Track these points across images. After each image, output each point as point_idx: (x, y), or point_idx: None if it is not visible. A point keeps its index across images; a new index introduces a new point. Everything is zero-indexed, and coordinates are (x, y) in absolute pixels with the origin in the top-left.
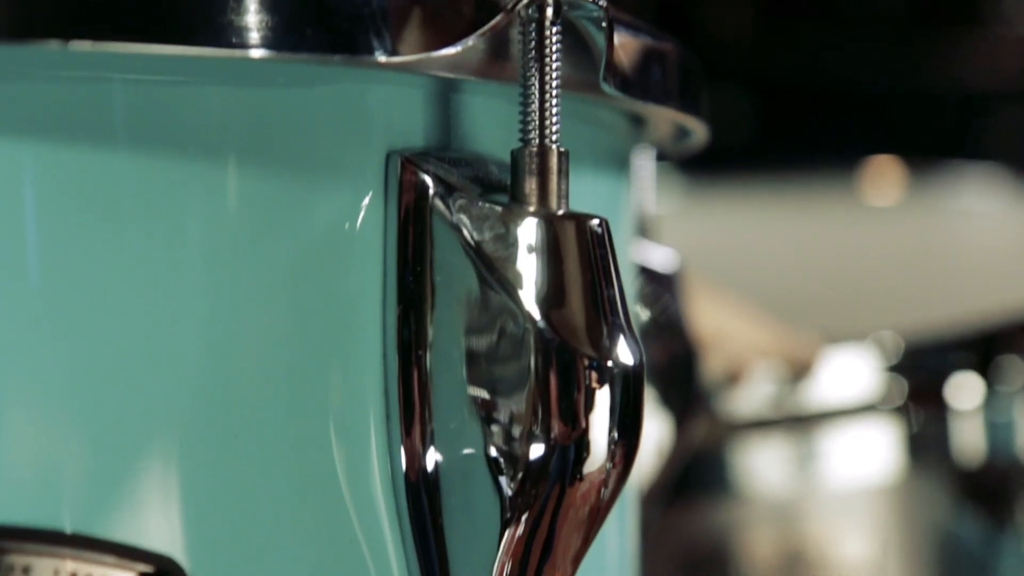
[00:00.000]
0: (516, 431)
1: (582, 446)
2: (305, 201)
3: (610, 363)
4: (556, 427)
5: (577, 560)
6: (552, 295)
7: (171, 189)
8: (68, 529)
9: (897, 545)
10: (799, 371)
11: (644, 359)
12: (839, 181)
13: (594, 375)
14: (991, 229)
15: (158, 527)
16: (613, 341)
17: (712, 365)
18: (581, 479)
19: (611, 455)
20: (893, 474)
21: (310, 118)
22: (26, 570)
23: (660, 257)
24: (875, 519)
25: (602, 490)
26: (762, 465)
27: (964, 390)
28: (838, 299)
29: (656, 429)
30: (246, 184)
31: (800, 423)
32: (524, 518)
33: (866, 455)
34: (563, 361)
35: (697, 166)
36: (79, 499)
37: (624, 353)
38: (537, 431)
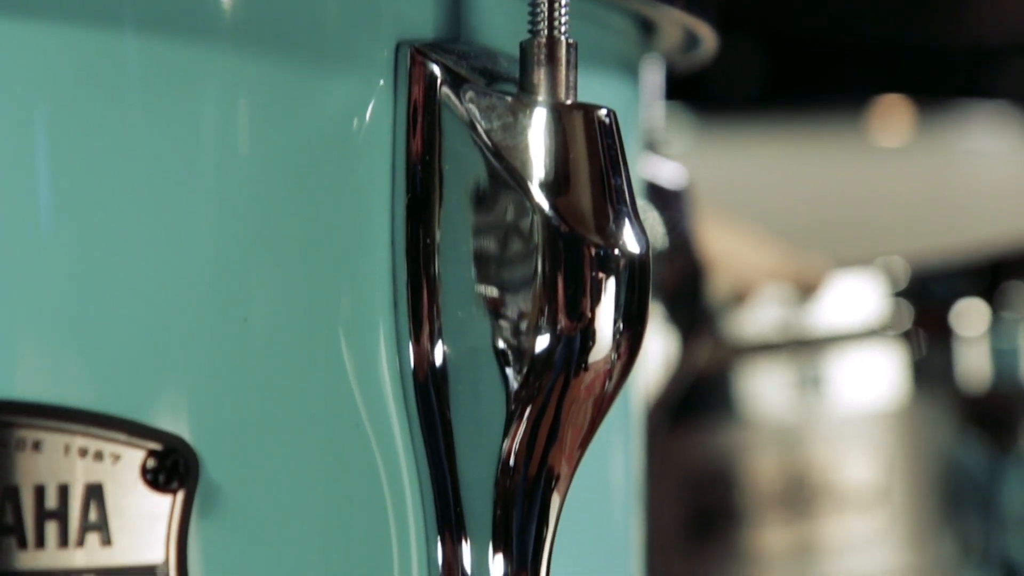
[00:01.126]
0: (523, 323)
1: (587, 335)
2: (315, 90)
3: (617, 251)
4: (562, 316)
5: (584, 444)
6: (560, 183)
7: (180, 76)
8: (79, 406)
9: (901, 470)
10: (806, 292)
11: (650, 249)
12: (848, 123)
13: (600, 262)
14: (999, 168)
15: (168, 406)
16: (620, 229)
17: (719, 285)
18: (586, 369)
19: (616, 345)
20: (898, 399)
21: (321, 7)
22: (37, 445)
23: (668, 172)
24: (879, 444)
25: (607, 382)
26: (767, 388)
27: (970, 316)
28: (847, 239)
29: (662, 346)
30: (256, 72)
31: (806, 347)
32: (529, 409)
33: (871, 380)
34: (570, 248)
35: (708, 108)
36: (91, 377)
37: (631, 241)
38: (543, 320)
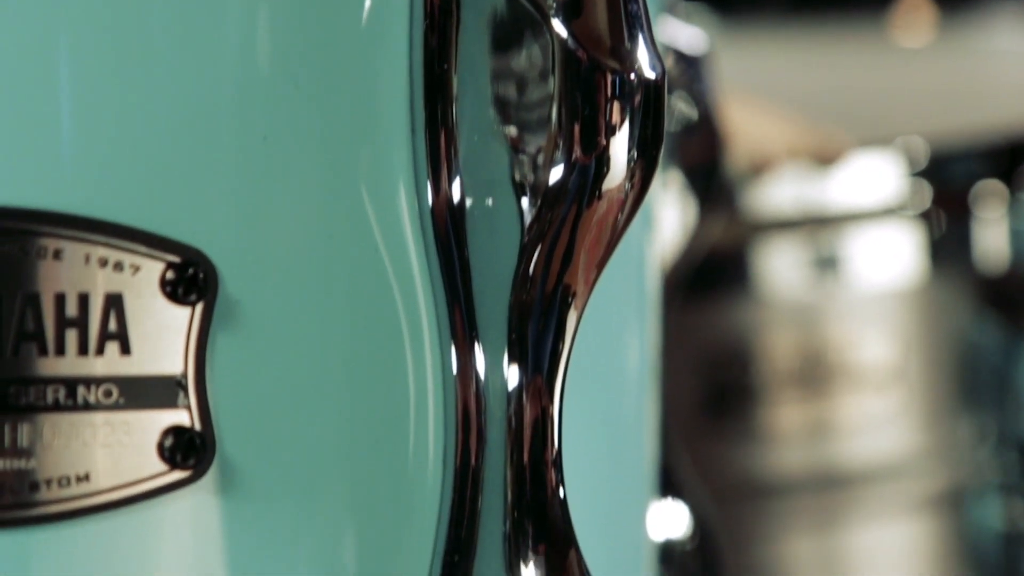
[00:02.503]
0: (540, 155)
1: (602, 162)
2: None
3: (632, 76)
4: (577, 144)
5: (601, 265)
6: (577, 8)
7: None
8: (101, 217)
9: (917, 350)
10: (825, 164)
11: (666, 75)
12: (871, 24)
13: (616, 87)
14: (1020, 67)
15: (187, 220)
16: (635, 53)
17: (738, 158)
18: (600, 198)
19: (630, 174)
20: (915, 279)
21: None
22: (57, 254)
23: (688, 37)
24: (896, 323)
25: (619, 214)
26: (784, 266)
27: (988, 197)
28: (867, 129)
29: (680, 214)
30: None
31: (823, 224)
32: (544, 238)
33: (888, 259)
34: (586, 73)
35: (732, 10)
36: (112, 188)
37: (646, 66)
38: (559, 147)
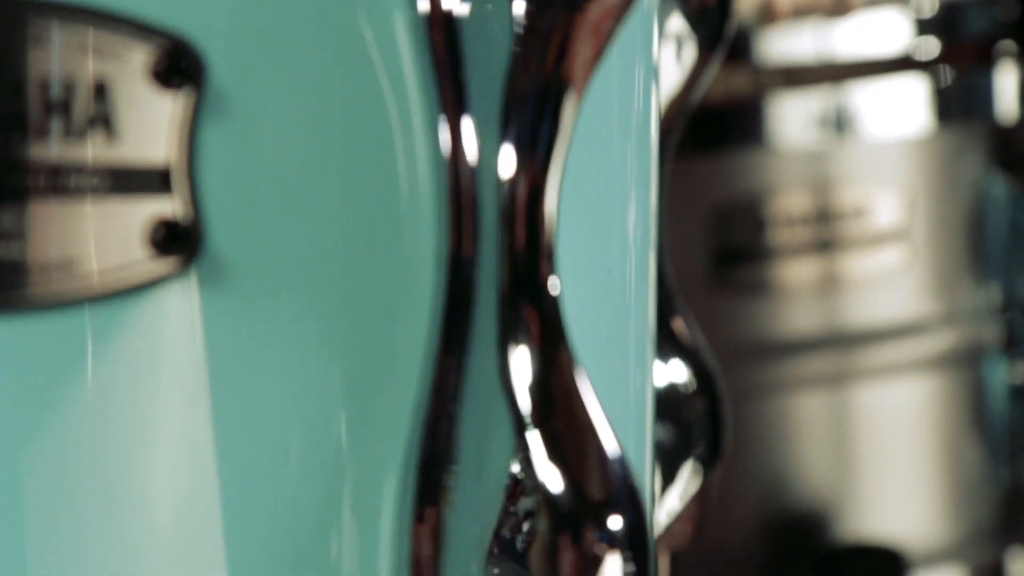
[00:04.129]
0: None
1: None
2: None
3: None
4: None
5: (597, 60)
6: None
7: None
8: (86, 2)
9: (927, 204)
10: (836, 14)
11: None
12: None
13: None
14: None
15: (176, 6)
16: None
17: (747, 7)
18: None
19: None
20: (926, 129)
21: None
22: (43, 39)
23: None
24: (906, 177)
25: (611, 20)
26: (794, 119)
27: (1000, 49)
28: None
29: (681, 61)
30: None
31: (834, 75)
32: (536, 43)
33: (900, 110)
34: None
35: None
36: None
37: None
38: None
